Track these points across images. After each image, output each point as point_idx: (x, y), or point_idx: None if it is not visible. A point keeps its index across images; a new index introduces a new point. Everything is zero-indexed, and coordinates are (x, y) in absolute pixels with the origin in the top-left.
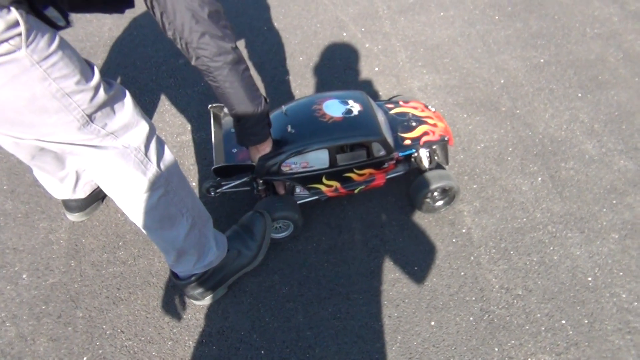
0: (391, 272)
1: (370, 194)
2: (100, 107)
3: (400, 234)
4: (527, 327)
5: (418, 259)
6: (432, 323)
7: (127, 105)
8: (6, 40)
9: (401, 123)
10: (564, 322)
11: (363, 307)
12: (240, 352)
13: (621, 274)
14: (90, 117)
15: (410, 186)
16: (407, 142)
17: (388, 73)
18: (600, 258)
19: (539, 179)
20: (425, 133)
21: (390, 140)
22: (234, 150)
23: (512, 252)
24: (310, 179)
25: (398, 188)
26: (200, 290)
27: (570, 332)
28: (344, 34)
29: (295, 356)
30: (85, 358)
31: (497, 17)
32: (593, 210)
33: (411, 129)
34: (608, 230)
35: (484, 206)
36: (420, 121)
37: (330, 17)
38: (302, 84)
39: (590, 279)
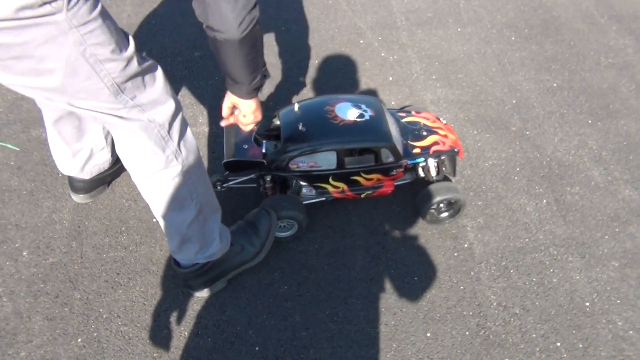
0: (391, 280)
1: (376, 202)
2: (131, 78)
3: (403, 243)
4: (522, 347)
5: (418, 269)
6: (428, 334)
7: (158, 81)
8: (48, 2)
9: (412, 132)
10: (558, 344)
11: (360, 313)
12: (235, 347)
13: (619, 302)
14: (121, 87)
15: (417, 196)
16: (417, 150)
17: (402, 83)
18: (599, 284)
19: (544, 201)
20: (436, 143)
21: (399, 147)
22: (245, 146)
23: (512, 271)
24: (317, 178)
25: (403, 198)
26: (199, 281)
27: (564, 355)
28: (361, 41)
29: (290, 355)
30: (79, 340)
31: (513, 38)
32: (595, 237)
33: (422, 137)
34: (609, 257)
35: (487, 223)
36: (431, 131)
37: (349, 24)
38: (315, 86)
39: (587, 304)
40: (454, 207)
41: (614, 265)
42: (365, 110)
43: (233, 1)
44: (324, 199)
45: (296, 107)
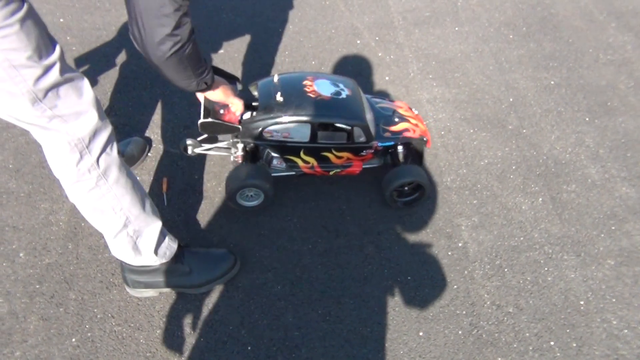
0: (384, 280)
1: (370, 201)
2: (51, 87)
3: (397, 242)
4: (515, 346)
5: (412, 268)
6: (421, 333)
7: (83, 93)
8: None
9: (385, 116)
10: (552, 343)
11: (353, 312)
12: (227, 347)
13: (614, 300)
14: (38, 95)
15: (384, 177)
16: (388, 134)
17: (398, 83)
18: (594, 283)
19: (540, 199)
20: (407, 130)
21: (372, 128)
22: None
23: (506, 270)
24: (289, 149)
25: None
26: (132, 277)
27: (558, 354)
28: (358, 42)
29: (282, 355)
30: (73, 339)
31: (511, 36)
32: (591, 235)
33: (394, 123)
34: (604, 255)
35: (482, 222)
36: (403, 118)
37: (346, 24)
38: None
39: (582, 302)
40: (416, 193)
41: (610, 264)
42: (342, 89)
43: (156, 25)
44: (293, 173)
45: (275, 78)
